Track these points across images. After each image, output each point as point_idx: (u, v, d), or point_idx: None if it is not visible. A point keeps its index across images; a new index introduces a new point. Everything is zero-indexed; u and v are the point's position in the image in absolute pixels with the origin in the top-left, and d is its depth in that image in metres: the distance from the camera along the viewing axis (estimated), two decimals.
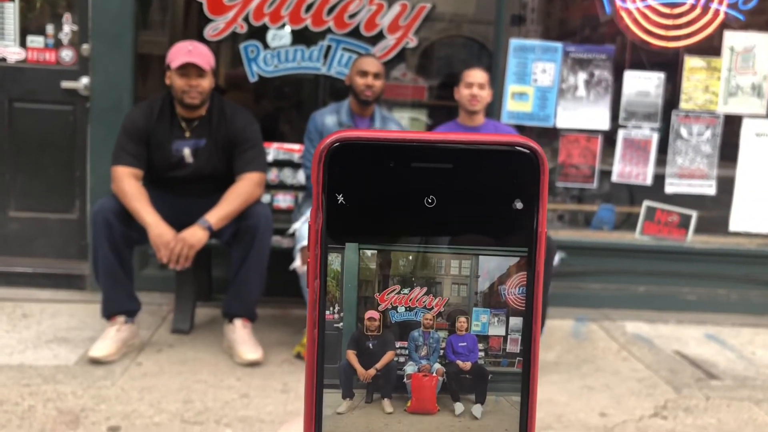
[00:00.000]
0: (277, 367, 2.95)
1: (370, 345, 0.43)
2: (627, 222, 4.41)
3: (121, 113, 3.42)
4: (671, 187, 4.24)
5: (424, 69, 5.48)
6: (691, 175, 4.24)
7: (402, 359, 0.43)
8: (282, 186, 3.78)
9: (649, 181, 4.21)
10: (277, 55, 3.89)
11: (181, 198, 3.14)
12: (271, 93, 4.22)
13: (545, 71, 4.07)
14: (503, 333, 0.43)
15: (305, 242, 3.09)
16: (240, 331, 3.02)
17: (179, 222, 3.00)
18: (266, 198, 3.72)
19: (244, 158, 3.10)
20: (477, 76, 3.50)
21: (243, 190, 3.04)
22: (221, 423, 2.43)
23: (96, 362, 2.84)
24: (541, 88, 4.07)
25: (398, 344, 0.43)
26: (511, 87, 4.04)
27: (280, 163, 3.75)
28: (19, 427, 2.28)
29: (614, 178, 4.22)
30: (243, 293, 3.03)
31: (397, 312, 0.43)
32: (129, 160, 3.01)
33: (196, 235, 2.90)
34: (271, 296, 3.42)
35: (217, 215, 2.95)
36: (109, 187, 3.10)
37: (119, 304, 2.99)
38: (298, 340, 3.17)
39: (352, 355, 0.43)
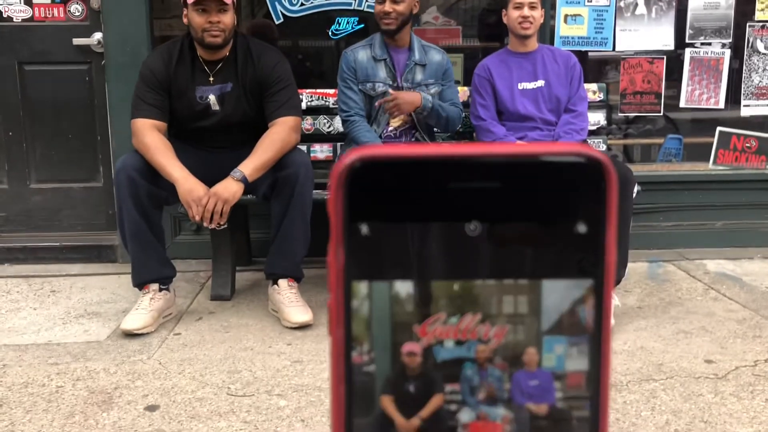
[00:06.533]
0: None
1: (411, 388, 0.35)
2: (698, 151, 3.99)
3: (139, 68, 3.10)
4: (747, 109, 3.81)
5: (456, 11, 5.07)
6: None
7: (454, 406, 0.35)
8: (318, 135, 3.44)
9: (721, 104, 3.78)
10: None
11: (210, 151, 2.84)
12: (299, 34, 3.87)
13: None
14: (585, 367, 0.35)
15: None
16: (286, 292, 2.72)
17: (209, 177, 2.69)
18: (302, 149, 3.39)
19: (275, 101, 2.77)
20: None
21: (278, 136, 2.71)
22: (273, 393, 2.14)
23: (130, 335, 2.57)
24: (596, 9, 3.65)
25: (448, 387, 0.35)
26: (563, 9, 3.63)
27: (314, 110, 3.42)
28: (46, 411, 2.01)
29: (682, 103, 3.80)
30: (286, 250, 2.73)
31: (444, 347, 0.35)
32: (150, 112, 2.71)
33: (229, 188, 2.59)
34: (315, 255, 3.09)
35: (251, 165, 2.64)
36: (133, 149, 2.79)
37: (151, 271, 2.70)
38: None
39: (388, 403, 0.35)
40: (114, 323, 2.73)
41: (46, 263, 3.49)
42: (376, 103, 2.89)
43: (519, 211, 0.34)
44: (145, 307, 2.64)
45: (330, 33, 3.64)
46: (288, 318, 2.64)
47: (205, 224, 2.62)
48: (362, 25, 3.72)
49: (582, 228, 0.35)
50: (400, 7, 2.91)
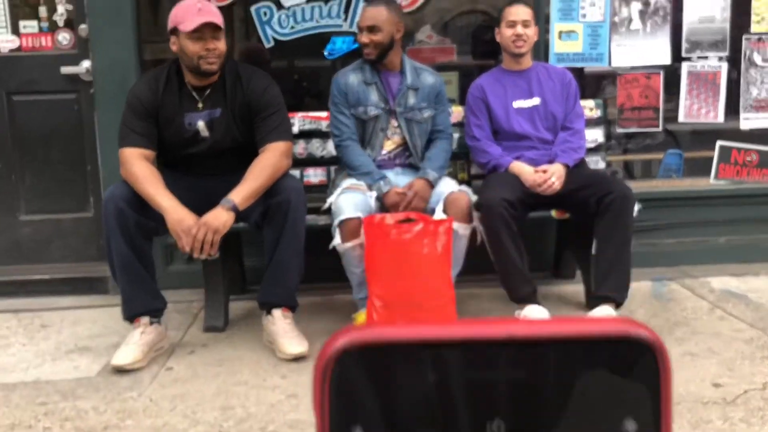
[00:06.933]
0: None
1: None
2: (699, 166, 3.93)
3: None
4: (747, 122, 3.76)
5: (451, 29, 5.05)
6: None
7: None
8: (311, 159, 3.39)
9: (720, 118, 3.73)
10: (292, 15, 3.49)
11: (200, 179, 2.78)
12: (291, 57, 3.83)
13: (594, 4, 3.60)
14: None
15: (345, 216, 2.70)
16: (281, 323, 2.64)
17: (200, 206, 2.63)
18: (295, 173, 3.33)
19: (266, 126, 2.71)
20: (520, 12, 3.06)
21: (268, 162, 2.66)
22: (267, 430, 2.06)
23: (121, 371, 2.50)
24: (591, 25, 3.61)
25: None
26: (557, 25, 3.59)
27: (307, 134, 3.35)
28: None
29: (681, 117, 3.75)
30: (280, 278, 2.66)
31: None
32: (137, 140, 2.65)
33: (220, 217, 2.53)
34: (311, 282, 3.03)
35: (242, 193, 2.58)
36: (122, 179, 2.73)
37: (141, 304, 2.63)
38: None
39: None
40: (105, 358, 2.66)
41: (36, 296, 3.42)
42: (400, 211, 2.80)
43: (552, 403, 0.27)
44: (135, 342, 2.57)
45: (325, 53, 3.59)
46: (283, 349, 2.57)
47: (195, 255, 2.55)
48: (357, 45, 3.69)
49: (631, 426, 0.28)
50: (378, 37, 2.87)
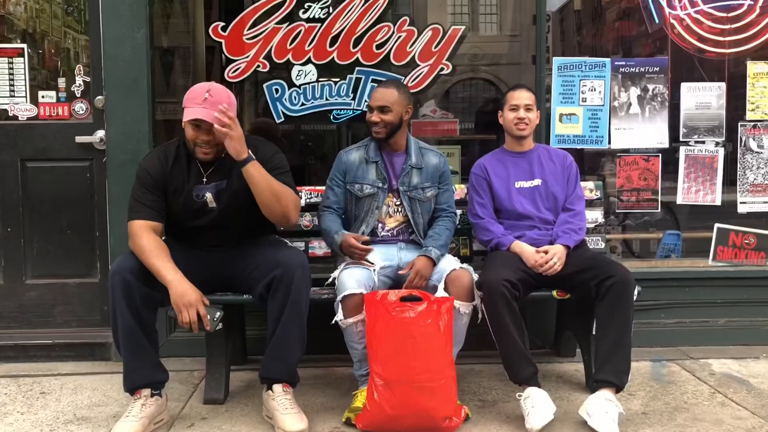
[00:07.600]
0: None
1: None
2: (697, 248, 3.98)
3: None
4: (744, 206, 3.84)
5: (453, 103, 5.17)
6: (765, 192, 3.83)
7: None
8: (317, 231, 3.44)
9: (718, 201, 3.80)
10: (303, 93, 3.61)
11: (206, 251, 2.82)
12: (300, 132, 3.93)
13: (594, 89, 3.72)
14: None
15: (348, 291, 2.73)
16: (281, 398, 2.65)
17: (205, 279, 2.69)
18: (300, 245, 3.38)
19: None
20: (522, 96, 3.17)
21: (288, 191, 2.72)
22: None
23: None
24: (591, 108, 3.72)
25: None
26: (558, 108, 3.70)
27: (313, 207, 3.42)
28: None
29: (679, 200, 3.83)
30: (282, 354, 2.67)
31: None
32: (146, 213, 2.70)
33: (243, 145, 2.61)
34: (313, 353, 3.04)
35: (261, 166, 2.66)
36: (129, 250, 2.77)
37: (143, 376, 2.64)
38: (346, 404, 2.79)
39: None
40: (103, 430, 2.65)
41: (37, 361, 3.43)
42: (404, 287, 2.86)
43: None
44: (135, 414, 2.57)
45: (331, 117, 3.68)
46: (282, 426, 2.56)
47: (194, 331, 2.56)
48: (361, 124, 3.79)
49: None
50: (388, 117, 2.97)
